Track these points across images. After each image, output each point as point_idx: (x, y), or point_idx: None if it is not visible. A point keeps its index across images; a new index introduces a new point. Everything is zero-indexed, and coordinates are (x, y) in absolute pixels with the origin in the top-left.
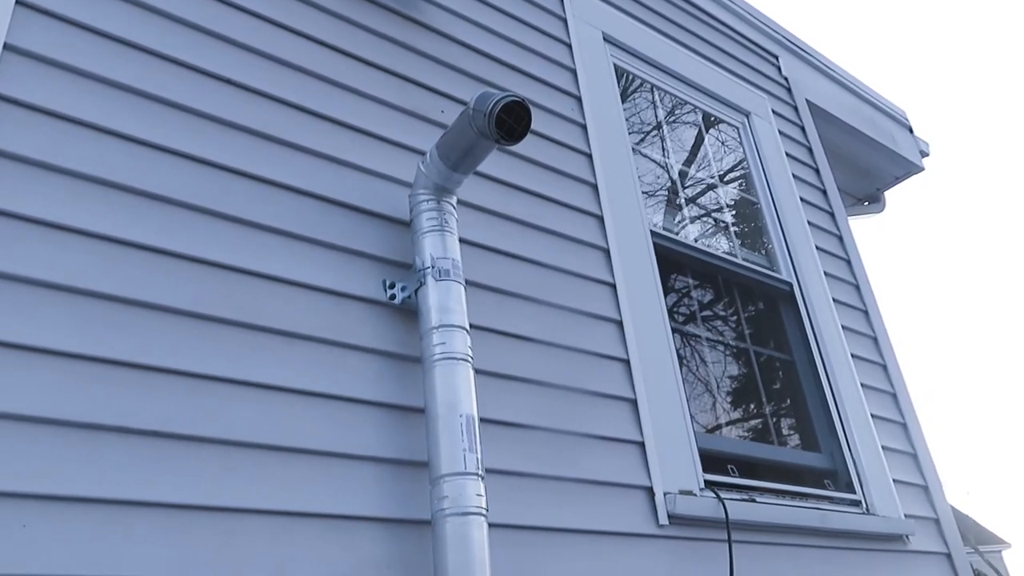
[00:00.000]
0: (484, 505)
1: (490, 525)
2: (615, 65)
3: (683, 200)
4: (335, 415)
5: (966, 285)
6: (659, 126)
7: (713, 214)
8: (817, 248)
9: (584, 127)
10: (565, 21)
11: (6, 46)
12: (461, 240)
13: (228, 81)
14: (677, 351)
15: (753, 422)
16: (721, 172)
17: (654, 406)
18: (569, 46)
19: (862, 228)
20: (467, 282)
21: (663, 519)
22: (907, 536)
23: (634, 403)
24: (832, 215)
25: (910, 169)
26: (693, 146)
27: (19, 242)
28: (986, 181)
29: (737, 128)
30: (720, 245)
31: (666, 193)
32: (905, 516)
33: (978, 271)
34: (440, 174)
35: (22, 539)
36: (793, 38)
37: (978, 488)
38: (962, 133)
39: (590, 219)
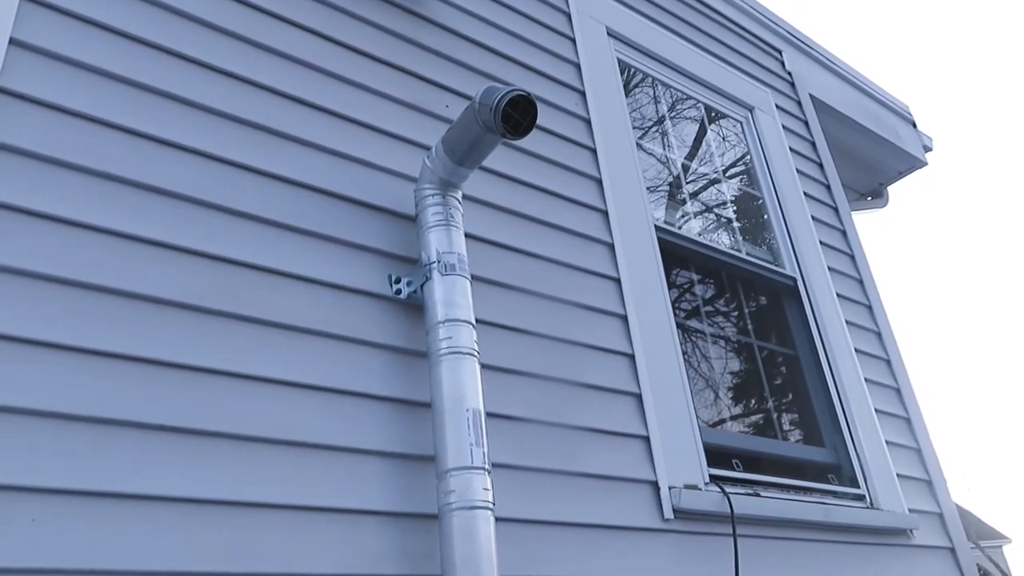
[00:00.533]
0: (491, 499)
1: (497, 519)
2: (619, 60)
3: (687, 195)
4: (341, 409)
5: (969, 280)
6: (662, 121)
7: (716, 209)
8: (821, 243)
9: (588, 122)
10: (569, 16)
11: (12, 41)
12: (466, 235)
13: (233, 76)
14: (681, 346)
15: (757, 417)
16: (724, 167)
17: (659, 400)
18: (573, 41)
19: (865, 223)
20: (472, 277)
21: (668, 513)
22: (911, 530)
23: (639, 397)
24: (836, 210)
25: (913, 164)
26: (696, 141)
27: (23, 236)
28: (989, 176)
29: (740, 123)
30: (724, 240)
31: (669, 188)
32: (909, 511)
33: (981, 266)
34: (445, 168)
35: (31, 533)
36: (797, 33)
37: (979, 484)
38: (965, 128)
39: (594, 214)
